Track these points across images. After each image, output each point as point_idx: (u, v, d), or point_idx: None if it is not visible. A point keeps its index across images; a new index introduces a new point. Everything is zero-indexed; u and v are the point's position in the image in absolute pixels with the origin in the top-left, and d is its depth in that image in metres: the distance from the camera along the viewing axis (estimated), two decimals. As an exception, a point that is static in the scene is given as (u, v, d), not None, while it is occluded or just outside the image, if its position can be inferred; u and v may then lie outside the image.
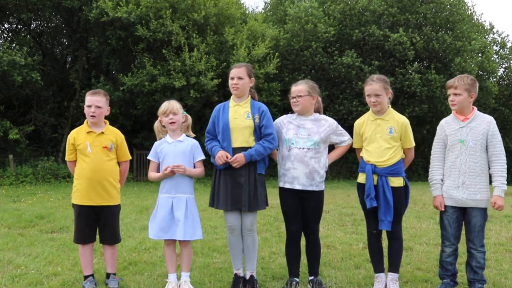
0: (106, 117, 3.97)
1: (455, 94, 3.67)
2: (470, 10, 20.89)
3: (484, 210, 3.65)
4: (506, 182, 3.62)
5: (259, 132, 3.79)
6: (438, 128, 3.88)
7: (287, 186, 3.81)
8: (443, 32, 18.60)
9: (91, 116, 3.82)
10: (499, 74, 23.32)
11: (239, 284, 3.80)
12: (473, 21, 21.11)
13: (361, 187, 3.83)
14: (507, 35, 29.35)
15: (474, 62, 18.15)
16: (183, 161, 3.75)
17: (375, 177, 3.70)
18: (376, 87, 3.70)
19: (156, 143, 3.89)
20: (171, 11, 14.23)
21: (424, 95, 17.41)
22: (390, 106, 3.81)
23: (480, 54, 19.63)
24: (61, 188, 12.21)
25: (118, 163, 3.98)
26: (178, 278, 3.81)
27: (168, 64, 14.41)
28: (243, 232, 3.78)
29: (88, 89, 11.17)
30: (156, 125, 3.95)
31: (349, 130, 4.01)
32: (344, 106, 17.80)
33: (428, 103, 17.62)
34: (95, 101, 3.82)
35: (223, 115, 3.81)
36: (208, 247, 5.21)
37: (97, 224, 3.88)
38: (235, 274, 3.89)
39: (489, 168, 3.67)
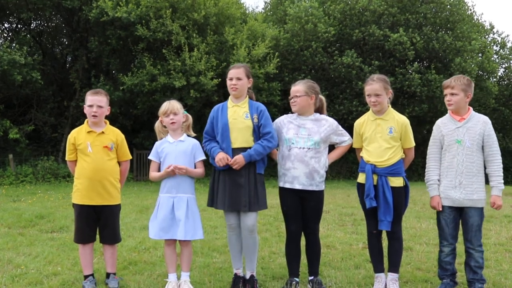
0: (106, 117, 3.97)
1: (452, 94, 3.69)
2: (470, 10, 20.90)
3: (481, 210, 3.67)
4: (503, 181, 3.65)
5: (258, 132, 3.79)
6: (434, 128, 3.89)
7: (287, 185, 3.81)
8: (443, 32, 18.61)
9: (93, 115, 3.81)
10: (499, 74, 23.33)
11: (239, 283, 3.80)
12: (473, 21, 21.11)
13: (361, 187, 3.83)
14: (507, 35, 29.34)
15: (474, 62, 18.15)
16: (184, 160, 3.75)
17: (375, 177, 3.70)
18: (376, 87, 3.70)
19: (157, 143, 3.89)
20: (171, 11, 14.23)
21: (424, 95, 17.41)
22: (390, 106, 3.81)
23: (480, 54, 19.63)
24: (61, 188, 12.21)
25: (119, 162, 3.98)
26: (178, 278, 3.81)
27: (168, 64, 14.41)
28: (244, 233, 3.77)
29: (88, 88, 11.18)
30: (157, 125, 3.95)
31: (349, 130, 4.01)
32: (344, 106, 17.80)
33: (428, 103, 17.62)
34: (97, 101, 3.82)
35: (222, 116, 3.81)
36: (208, 247, 5.21)
37: (97, 223, 3.88)
38: (235, 274, 3.89)
39: (485, 168, 3.70)
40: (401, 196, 3.73)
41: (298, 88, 3.87)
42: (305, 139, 3.79)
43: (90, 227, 3.85)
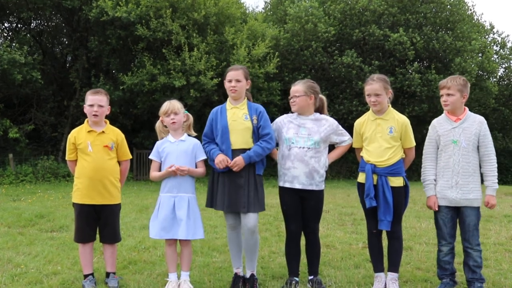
0: (106, 117, 3.97)
1: (448, 95, 3.70)
2: (470, 10, 20.90)
3: (477, 209, 3.69)
4: (497, 181, 3.70)
5: (258, 133, 3.80)
6: (430, 128, 3.91)
7: (287, 185, 3.81)
8: (443, 32, 18.61)
9: (94, 115, 3.81)
10: (499, 74, 23.35)
11: (239, 283, 3.80)
12: (473, 21, 21.11)
13: (361, 187, 3.83)
14: (507, 35, 29.37)
15: (474, 62, 18.16)
16: (185, 160, 3.76)
17: (375, 177, 3.70)
18: (376, 86, 3.71)
19: (158, 143, 3.90)
20: (171, 11, 14.23)
21: (424, 95, 17.41)
22: (390, 106, 3.81)
23: (480, 54, 19.63)
24: (61, 187, 12.21)
25: (119, 162, 3.98)
26: (178, 277, 3.81)
27: (168, 64, 14.41)
28: (246, 234, 3.76)
29: (88, 88, 11.17)
30: (158, 125, 3.95)
31: (349, 130, 4.01)
32: (344, 106, 17.81)
33: (428, 102, 17.62)
34: (98, 100, 3.83)
35: (221, 118, 3.81)
36: (208, 247, 5.21)
37: (98, 223, 3.88)
38: (235, 274, 3.89)
39: (480, 167, 3.72)
40: (401, 196, 3.73)
41: (297, 88, 3.88)
42: (305, 139, 3.80)
43: (90, 227, 3.85)
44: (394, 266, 3.79)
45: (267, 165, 3.93)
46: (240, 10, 17.30)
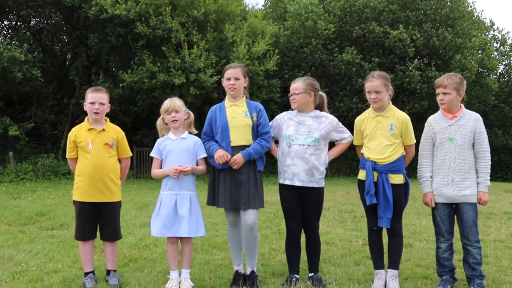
0: (106, 115, 3.97)
1: (444, 93, 3.70)
2: (471, 7, 20.86)
3: (474, 205, 3.70)
4: (489, 178, 3.72)
5: (257, 130, 3.80)
6: (426, 125, 3.91)
7: (287, 182, 3.82)
8: (444, 29, 18.59)
9: (95, 112, 3.81)
10: (499, 71, 23.33)
11: (240, 280, 3.80)
12: (474, 18, 21.06)
13: (361, 184, 3.83)
14: (508, 32, 29.33)
15: (474, 59, 18.14)
16: (187, 158, 3.76)
17: (375, 174, 3.70)
18: (376, 83, 3.70)
19: (159, 140, 3.90)
20: (170, 8, 14.21)
21: (424, 92, 17.40)
22: (390, 103, 3.81)
23: (480, 51, 19.61)
24: (61, 185, 12.22)
25: (119, 160, 3.98)
26: (179, 275, 3.81)
27: (168, 61, 14.40)
28: (245, 231, 3.76)
29: (87, 86, 11.17)
30: (159, 122, 3.95)
31: (349, 127, 4.01)
32: (344, 103, 17.80)
33: (428, 100, 17.61)
34: (99, 98, 3.83)
35: (221, 115, 3.81)
36: (208, 244, 5.21)
37: (98, 220, 3.88)
38: (236, 271, 3.90)
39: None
40: (401, 193, 3.73)
41: (297, 85, 3.88)
42: (305, 136, 3.80)
43: (90, 224, 3.85)
44: (394, 263, 3.79)
45: (267, 162, 3.94)
46: (240, 8, 17.28)
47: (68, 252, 4.82)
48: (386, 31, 17.47)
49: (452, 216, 3.78)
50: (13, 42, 14.21)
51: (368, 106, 3.94)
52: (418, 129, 3.89)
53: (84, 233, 3.86)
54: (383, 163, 3.69)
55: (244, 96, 3.91)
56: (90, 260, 3.89)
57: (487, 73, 20.69)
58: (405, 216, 6.82)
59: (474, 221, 3.68)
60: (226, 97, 3.92)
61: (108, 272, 3.93)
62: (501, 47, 23.06)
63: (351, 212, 7.77)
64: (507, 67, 23.55)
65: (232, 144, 3.73)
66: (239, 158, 3.66)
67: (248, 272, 3.86)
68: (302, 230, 3.93)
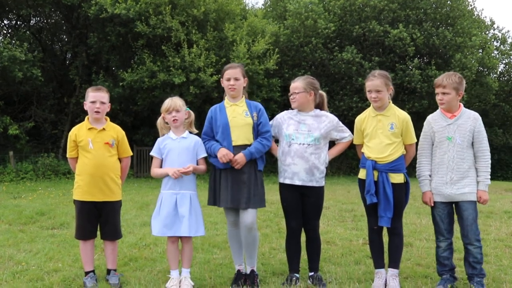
0: (106, 114, 3.97)
1: (444, 93, 3.69)
2: (471, 5, 20.82)
3: (474, 203, 3.69)
4: (489, 177, 3.72)
5: (257, 130, 3.81)
6: (425, 124, 3.91)
7: (287, 181, 3.82)
8: (444, 28, 18.56)
9: (96, 111, 3.81)
10: (499, 70, 23.32)
11: (241, 279, 3.80)
12: (474, 17, 21.04)
13: (362, 183, 3.83)
14: (508, 31, 29.43)
15: (474, 58, 18.13)
16: (187, 157, 3.76)
17: (376, 173, 3.70)
18: (377, 82, 3.70)
19: (159, 139, 3.90)
20: (170, 7, 14.20)
21: (424, 91, 17.39)
22: (391, 102, 3.81)
23: (480, 50, 19.60)
24: (61, 185, 12.23)
25: (119, 159, 3.98)
26: (179, 274, 3.81)
27: (168, 61, 14.39)
28: (243, 231, 3.75)
29: (88, 85, 11.16)
30: (159, 121, 3.95)
31: (349, 126, 4.01)
32: (344, 102, 17.79)
33: (428, 99, 17.60)
34: (100, 97, 3.83)
35: (221, 115, 3.81)
36: (209, 243, 5.21)
37: (98, 220, 3.89)
38: (238, 271, 3.89)
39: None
40: (401, 193, 3.73)
41: (297, 84, 3.88)
42: (305, 135, 3.80)
43: (91, 223, 3.86)
44: (394, 262, 3.79)
45: (267, 162, 3.94)
46: (239, 7, 17.26)
47: (69, 252, 4.82)
48: (386, 30, 17.46)
49: (451, 215, 3.78)
50: (13, 42, 14.20)
51: (368, 105, 3.94)
52: (418, 128, 3.89)
53: (84, 233, 3.86)
54: (383, 162, 3.69)
55: (244, 96, 3.92)
56: (90, 259, 3.89)
57: (487, 72, 20.68)
58: (406, 215, 6.82)
59: (473, 219, 3.68)
60: (226, 97, 3.92)
61: (109, 271, 3.94)
62: (501, 46, 23.06)
63: (351, 211, 7.77)
64: (507, 66, 23.55)
65: (233, 143, 3.73)
66: (240, 157, 3.66)
67: (248, 272, 3.86)
68: (302, 229, 3.93)
